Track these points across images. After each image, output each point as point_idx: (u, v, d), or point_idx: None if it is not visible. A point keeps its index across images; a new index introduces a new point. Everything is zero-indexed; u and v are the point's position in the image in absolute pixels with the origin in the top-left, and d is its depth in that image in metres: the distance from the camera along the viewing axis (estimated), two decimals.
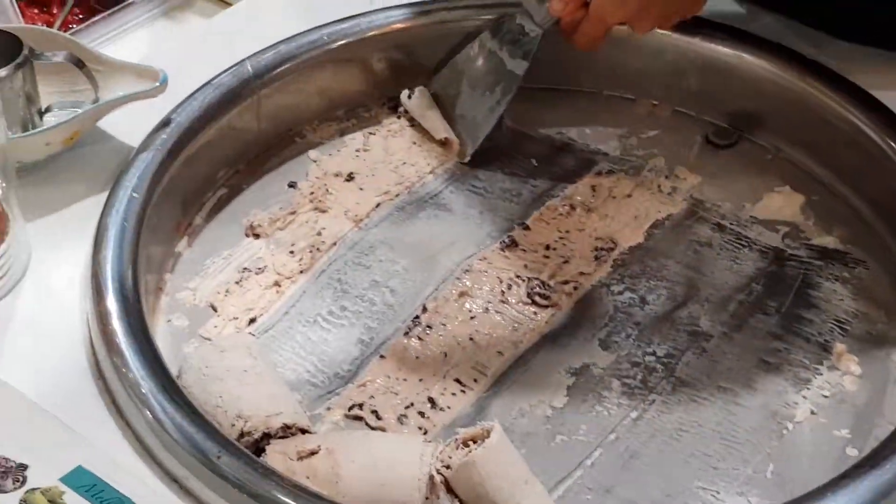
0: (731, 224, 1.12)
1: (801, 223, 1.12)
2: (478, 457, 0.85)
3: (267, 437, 0.90)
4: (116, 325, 0.94)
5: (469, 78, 1.19)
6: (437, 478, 0.87)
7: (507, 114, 1.19)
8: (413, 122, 1.20)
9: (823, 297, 1.05)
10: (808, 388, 0.98)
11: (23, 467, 0.82)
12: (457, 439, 0.87)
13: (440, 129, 1.19)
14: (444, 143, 1.18)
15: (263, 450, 0.89)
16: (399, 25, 1.20)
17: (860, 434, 0.95)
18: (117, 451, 0.87)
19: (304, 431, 0.91)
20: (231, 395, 0.92)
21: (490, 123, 1.16)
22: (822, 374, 0.99)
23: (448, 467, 0.86)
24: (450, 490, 0.87)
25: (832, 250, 1.09)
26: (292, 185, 1.15)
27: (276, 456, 0.88)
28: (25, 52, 1.09)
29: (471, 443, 0.87)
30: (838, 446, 0.94)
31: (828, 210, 1.13)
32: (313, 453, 0.87)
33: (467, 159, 1.17)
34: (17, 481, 0.82)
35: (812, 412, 0.96)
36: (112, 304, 0.95)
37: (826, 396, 0.98)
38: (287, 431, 0.90)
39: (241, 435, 0.89)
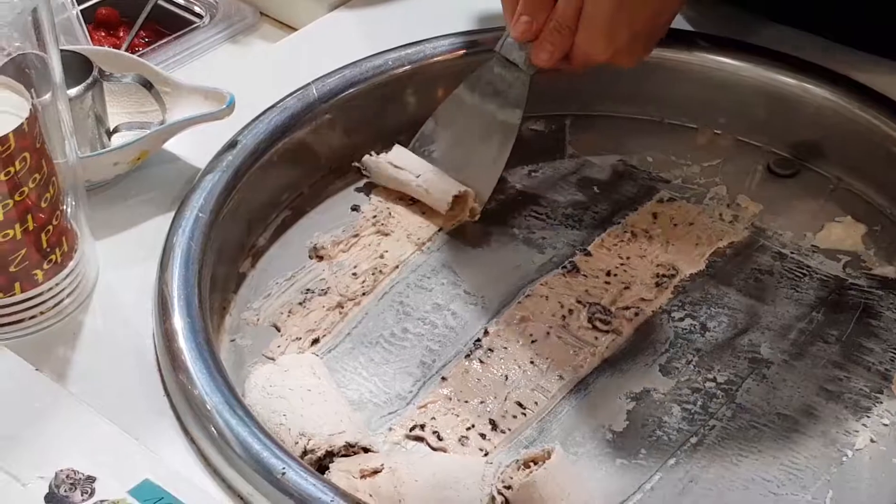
0: (793, 253, 1.12)
1: (863, 253, 1.12)
2: (538, 477, 0.85)
3: (330, 455, 0.90)
4: (182, 343, 0.95)
5: (455, 135, 1.16)
6: (498, 498, 0.87)
7: (569, 141, 1.20)
8: None
9: (884, 327, 1.05)
10: (868, 417, 0.98)
11: (91, 479, 0.83)
12: (518, 460, 0.88)
13: (450, 185, 1.13)
14: (456, 199, 1.13)
15: (327, 468, 0.90)
16: (462, 51, 1.21)
17: None
18: (182, 467, 0.88)
19: (366, 450, 0.91)
20: (295, 413, 0.93)
21: (495, 177, 1.14)
22: (882, 403, 0.99)
23: (509, 488, 0.87)
24: None
25: (893, 280, 1.09)
26: (355, 208, 1.16)
27: (340, 474, 0.88)
28: (95, 72, 1.10)
29: (532, 464, 0.87)
30: None
31: (889, 240, 1.13)
32: (376, 472, 0.88)
33: (477, 217, 1.14)
34: (86, 493, 0.83)
35: (872, 440, 0.96)
36: (178, 322, 0.96)
37: (886, 425, 0.98)
38: (350, 450, 0.91)
39: (304, 453, 0.90)
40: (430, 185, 1.14)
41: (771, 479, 0.94)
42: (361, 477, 0.88)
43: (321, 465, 0.90)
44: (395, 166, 1.15)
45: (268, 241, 1.12)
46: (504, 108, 1.14)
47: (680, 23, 1.23)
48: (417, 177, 1.14)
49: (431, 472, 0.89)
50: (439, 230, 1.13)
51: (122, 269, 1.05)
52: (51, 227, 0.96)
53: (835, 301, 1.08)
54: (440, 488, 0.87)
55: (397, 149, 1.17)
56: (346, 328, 1.05)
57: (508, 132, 1.14)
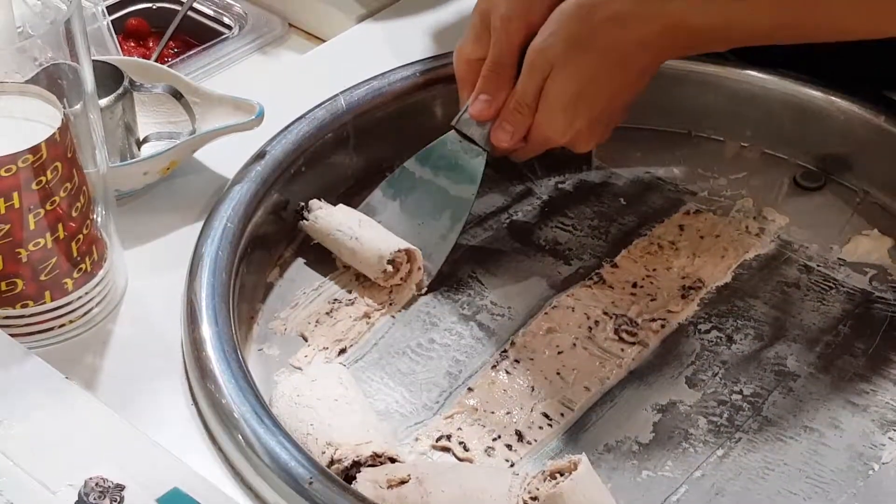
0: (819, 266, 1.12)
1: (889, 266, 1.12)
2: (565, 488, 0.85)
3: (357, 465, 0.91)
4: (210, 351, 0.95)
5: (405, 207, 1.13)
6: None
7: (596, 153, 1.20)
8: None
9: None
10: (894, 430, 0.98)
11: (120, 488, 0.84)
12: (544, 471, 0.88)
13: (392, 242, 1.08)
14: (393, 264, 1.08)
15: (354, 477, 0.90)
16: None
17: None
18: (210, 475, 0.89)
19: (393, 460, 0.92)
20: (322, 423, 0.93)
21: (445, 252, 1.10)
22: None
23: (535, 499, 0.87)
24: None
25: None
26: None
27: (367, 483, 0.89)
28: (126, 82, 1.11)
29: (558, 475, 0.87)
30: None
31: None
32: (403, 482, 0.88)
33: (424, 290, 1.09)
34: (115, 501, 0.83)
35: None
36: (206, 331, 0.97)
37: None
38: (377, 460, 0.91)
39: (331, 462, 0.91)
40: (365, 244, 1.08)
41: (797, 493, 0.94)
42: (388, 487, 0.88)
43: (348, 475, 0.91)
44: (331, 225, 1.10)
45: (295, 252, 1.13)
46: (458, 184, 1.11)
47: None
48: (352, 238, 1.09)
49: (458, 482, 0.89)
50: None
51: (151, 278, 1.05)
52: (81, 236, 0.97)
53: (861, 314, 1.08)
54: (467, 499, 0.87)
55: (341, 207, 1.13)
56: (373, 338, 1.05)
57: (461, 208, 1.11)
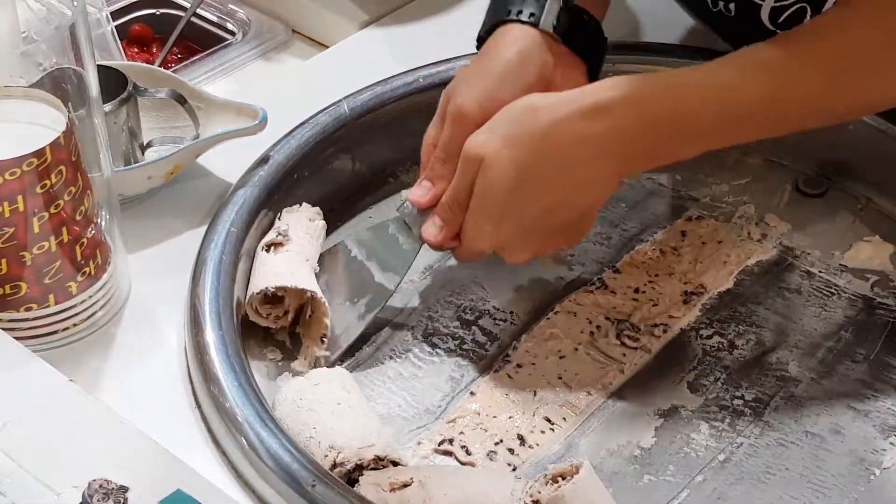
0: (821, 272, 1.12)
1: (891, 272, 1.12)
2: (567, 492, 0.86)
3: (359, 468, 0.91)
4: (214, 355, 0.96)
5: (328, 283, 1.07)
6: None
7: None
8: None
9: None
10: (895, 435, 0.98)
11: (124, 489, 0.84)
12: (546, 475, 0.88)
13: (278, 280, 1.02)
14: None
15: (356, 481, 0.90)
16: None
17: None
18: (213, 478, 0.89)
19: (395, 464, 0.92)
20: (324, 426, 0.93)
21: (354, 334, 1.05)
22: None
23: (537, 502, 0.87)
24: None
25: None
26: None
27: (369, 487, 0.89)
28: (130, 87, 1.12)
29: (560, 479, 0.87)
30: None
31: None
32: (406, 485, 0.89)
33: (324, 346, 1.03)
34: (119, 503, 0.84)
35: None
36: (209, 335, 0.97)
37: None
38: (379, 463, 0.92)
39: (334, 465, 0.91)
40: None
41: (798, 497, 0.94)
42: (391, 490, 0.89)
43: (350, 478, 0.91)
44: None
45: None
46: (385, 272, 1.06)
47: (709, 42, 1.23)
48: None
49: (461, 486, 0.89)
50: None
51: (154, 282, 1.06)
52: (85, 240, 0.97)
53: (863, 320, 1.08)
54: (469, 503, 0.88)
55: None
56: (376, 342, 1.06)
57: (379, 296, 1.05)
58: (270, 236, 1.06)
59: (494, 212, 0.99)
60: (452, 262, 1.12)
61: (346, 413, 0.95)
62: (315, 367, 1.01)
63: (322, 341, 1.02)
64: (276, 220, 1.09)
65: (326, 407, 0.95)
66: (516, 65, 1.03)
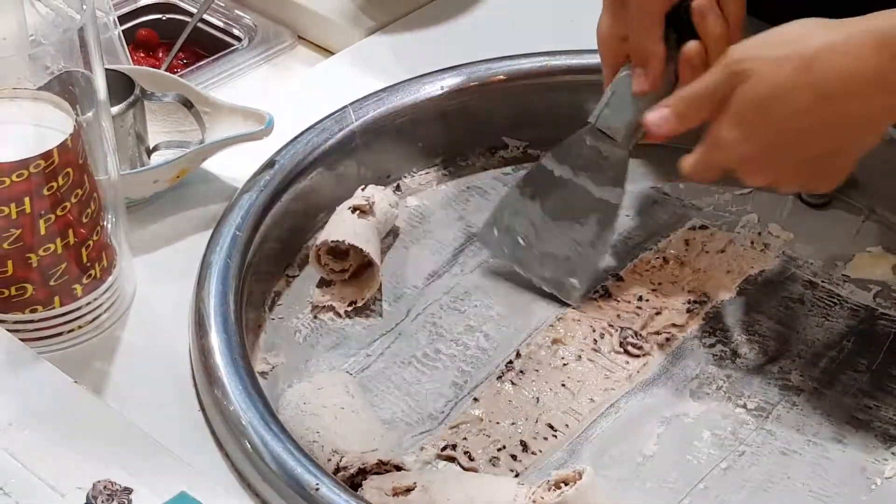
0: (823, 282, 1.12)
1: (893, 283, 1.12)
2: (569, 497, 0.86)
3: (362, 472, 0.92)
4: (218, 359, 0.96)
5: (546, 209, 1.08)
6: None
7: None
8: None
9: None
10: None
11: (128, 491, 0.84)
12: (549, 481, 0.88)
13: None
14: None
15: (359, 485, 0.91)
16: (501, 77, 1.22)
17: None
18: (217, 480, 0.89)
19: (398, 468, 0.92)
20: (328, 430, 0.94)
21: (595, 263, 1.08)
22: None
23: None
24: None
25: None
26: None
27: (372, 491, 0.89)
28: (137, 91, 1.12)
29: (563, 484, 0.88)
30: None
31: None
32: (409, 490, 0.89)
33: (577, 304, 1.08)
34: None
35: None
36: (214, 338, 0.97)
37: None
38: (382, 468, 0.92)
39: (337, 470, 0.91)
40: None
41: None
42: (394, 495, 0.89)
43: (353, 483, 0.91)
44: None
45: (303, 260, 1.13)
46: (603, 186, 1.06)
47: None
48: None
49: (464, 491, 0.89)
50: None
51: (160, 286, 1.06)
52: (91, 243, 0.98)
53: (865, 330, 1.08)
54: None
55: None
56: (380, 348, 1.06)
57: (609, 213, 1.07)
58: (358, 201, 1.11)
59: (748, 122, 0.95)
60: (457, 268, 1.12)
61: (349, 418, 0.95)
62: (350, 309, 1.09)
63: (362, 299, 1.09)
64: (360, 189, 1.13)
65: (330, 411, 0.95)
66: None
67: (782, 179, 0.99)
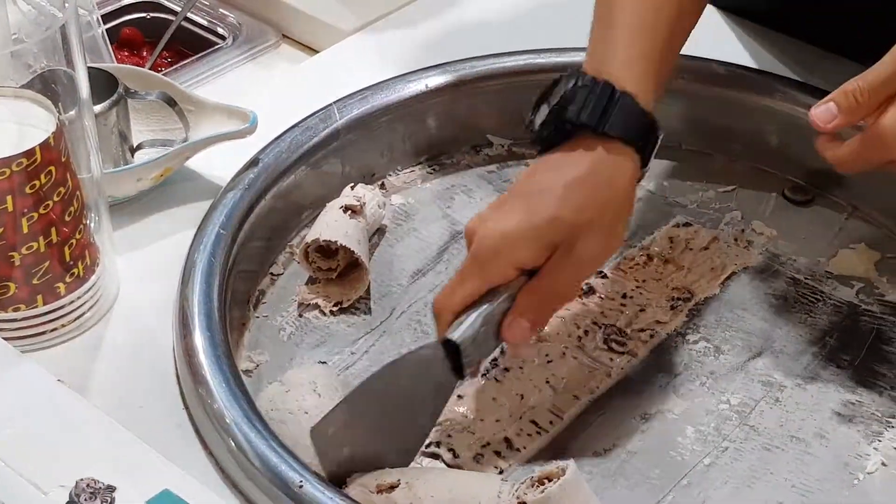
0: (806, 279, 1.13)
1: (876, 279, 1.12)
2: (552, 494, 0.86)
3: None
4: (202, 357, 0.96)
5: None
6: None
7: None
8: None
9: None
10: (879, 441, 0.99)
11: (111, 489, 0.84)
12: (532, 477, 0.88)
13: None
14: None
15: (344, 481, 0.91)
16: (484, 75, 1.22)
17: None
18: (201, 478, 0.89)
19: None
20: (291, 439, 0.93)
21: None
22: (894, 427, 1.00)
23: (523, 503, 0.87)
24: None
25: None
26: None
27: (356, 488, 0.89)
28: (120, 89, 1.12)
29: (546, 480, 0.88)
30: None
31: None
32: (393, 487, 0.89)
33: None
34: (106, 502, 0.84)
35: (883, 464, 0.97)
36: (198, 337, 0.97)
37: None
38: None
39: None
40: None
41: (783, 501, 0.94)
42: (378, 492, 0.89)
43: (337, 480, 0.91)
44: None
45: (288, 259, 1.13)
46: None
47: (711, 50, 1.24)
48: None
49: (447, 488, 0.89)
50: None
51: (143, 284, 1.06)
52: (74, 241, 0.98)
53: (848, 326, 1.08)
54: None
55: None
56: (364, 346, 1.06)
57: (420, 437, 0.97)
58: (350, 200, 1.11)
59: None
60: (442, 266, 1.13)
61: (312, 424, 0.93)
62: (336, 308, 1.09)
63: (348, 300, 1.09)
64: (349, 188, 1.13)
65: (295, 418, 0.95)
66: None
67: None
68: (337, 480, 0.91)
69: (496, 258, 0.94)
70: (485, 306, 0.94)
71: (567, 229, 0.94)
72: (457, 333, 0.93)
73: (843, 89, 0.95)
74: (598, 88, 0.96)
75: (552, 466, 0.88)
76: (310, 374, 0.99)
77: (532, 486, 0.87)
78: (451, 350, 0.93)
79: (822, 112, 0.96)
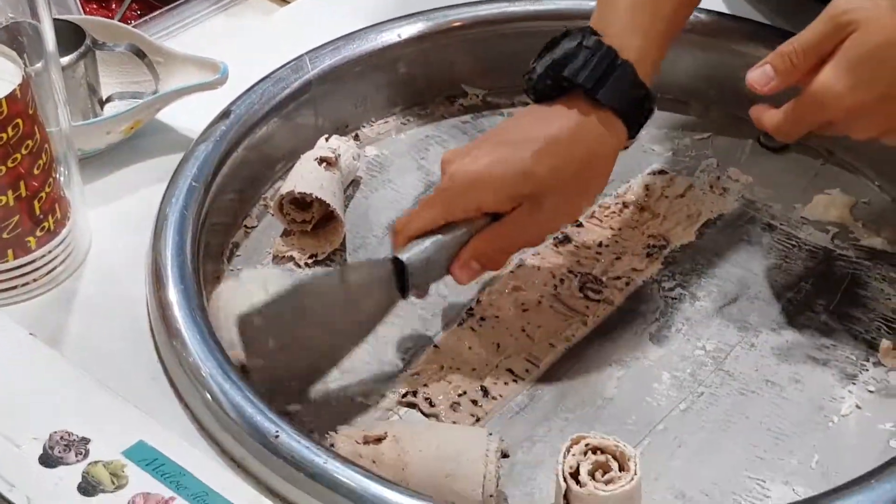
0: (782, 224, 1.13)
1: (851, 224, 1.12)
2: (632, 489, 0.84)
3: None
4: (176, 311, 0.95)
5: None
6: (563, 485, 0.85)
7: None
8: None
9: (871, 296, 1.06)
10: (853, 384, 0.99)
11: (85, 441, 0.84)
12: (588, 444, 0.85)
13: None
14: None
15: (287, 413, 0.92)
16: (458, 24, 1.22)
17: None
18: (177, 430, 0.89)
19: None
20: (229, 331, 0.94)
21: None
22: (867, 370, 1.00)
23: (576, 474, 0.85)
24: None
25: (880, 251, 1.10)
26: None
27: (343, 439, 0.89)
28: (88, 41, 1.11)
29: (598, 451, 0.85)
30: (882, 439, 0.95)
31: (877, 212, 1.14)
32: (379, 439, 0.89)
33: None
34: (80, 454, 0.84)
35: (857, 406, 0.97)
36: (172, 290, 0.97)
37: (871, 391, 0.98)
38: None
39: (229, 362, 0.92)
40: None
41: (758, 444, 0.95)
42: (365, 443, 0.89)
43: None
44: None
45: (262, 211, 1.13)
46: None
47: None
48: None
49: (435, 443, 0.89)
50: None
51: (115, 238, 1.05)
52: (43, 195, 0.97)
53: (823, 271, 1.08)
54: (444, 460, 0.88)
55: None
56: None
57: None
58: (324, 152, 1.10)
59: (861, 71, 0.92)
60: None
61: None
62: (311, 261, 1.08)
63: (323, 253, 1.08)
64: (324, 139, 1.12)
65: (239, 309, 0.95)
66: None
67: (893, 129, 0.96)
68: (260, 373, 0.92)
69: (462, 197, 0.95)
70: (439, 236, 0.95)
71: (537, 185, 0.95)
72: (407, 254, 0.95)
73: (779, 52, 0.95)
74: (601, 52, 0.97)
75: (610, 441, 0.85)
76: (263, 273, 1.01)
77: (583, 455, 0.85)
78: (399, 269, 0.95)
79: (759, 75, 0.96)
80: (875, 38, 0.92)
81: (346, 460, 0.85)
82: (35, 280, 0.99)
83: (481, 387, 0.98)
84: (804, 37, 0.95)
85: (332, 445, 0.89)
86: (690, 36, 1.22)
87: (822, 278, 1.08)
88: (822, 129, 0.97)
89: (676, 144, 1.21)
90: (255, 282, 0.98)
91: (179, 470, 0.84)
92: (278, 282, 0.97)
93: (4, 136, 0.92)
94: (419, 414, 0.97)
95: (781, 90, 0.96)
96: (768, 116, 0.98)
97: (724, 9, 1.27)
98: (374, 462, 0.88)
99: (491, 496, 0.87)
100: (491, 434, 0.90)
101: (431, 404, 0.97)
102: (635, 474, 0.83)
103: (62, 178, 1.00)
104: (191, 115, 1.13)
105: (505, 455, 0.92)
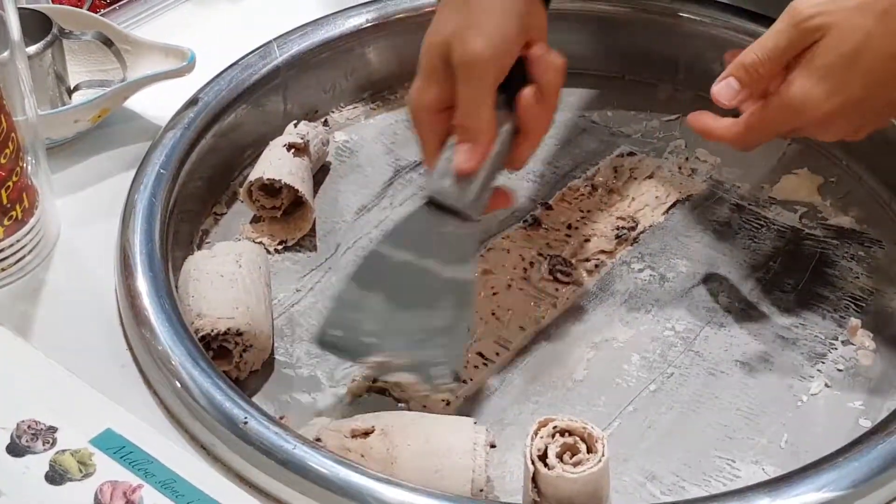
0: (750, 204, 1.13)
1: (819, 204, 1.13)
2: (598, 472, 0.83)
3: (215, 338, 0.94)
4: (146, 299, 0.95)
5: (390, 303, 0.93)
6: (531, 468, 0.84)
7: None
8: None
9: (839, 275, 1.06)
10: (822, 363, 0.99)
11: (52, 430, 0.84)
12: (555, 426, 0.85)
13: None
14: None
15: (212, 349, 0.94)
16: (427, 7, 1.21)
17: (873, 406, 0.96)
18: (145, 418, 0.89)
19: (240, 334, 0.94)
20: (199, 295, 0.96)
21: (462, 342, 0.94)
22: (836, 349, 1.00)
23: (543, 456, 0.84)
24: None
25: (848, 230, 1.10)
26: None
27: (330, 433, 0.88)
28: (55, 30, 1.11)
29: (566, 433, 0.85)
30: (851, 417, 0.95)
31: (844, 191, 1.14)
32: (367, 433, 0.88)
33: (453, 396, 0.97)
34: (48, 443, 0.84)
35: (826, 385, 0.98)
36: (140, 278, 0.97)
37: (840, 370, 0.99)
38: (236, 339, 0.94)
39: (196, 332, 0.93)
40: None
41: (727, 424, 0.95)
42: (353, 437, 0.88)
43: (210, 347, 0.94)
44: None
45: (231, 198, 1.13)
46: (451, 265, 0.93)
47: None
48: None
49: (424, 437, 0.88)
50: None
51: (84, 227, 1.05)
52: (11, 184, 0.97)
53: (791, 251, 1.09)
54: (432, 455, 0.87)
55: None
56: (310, 283, 1.06)
57: (464, 291, 0.93)
58: (293, 138, 1.10)
59: (835, 76, 0.91)
60: (386, 202, 1.12)
61: (223, 285, 0.97)
62: (281, 247, 1.09)
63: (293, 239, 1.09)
64: (293, 125, 1.12)
65: (209, 278, 0.97)
66: None
67: (862, 129, 0.96)
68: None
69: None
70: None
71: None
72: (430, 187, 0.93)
73: (741, 63, 0.94)
74: None
75: (577, 422, 0.85)
76: (237, 247, 1.01)
77: (551, 438, 0.84)
78: (438, 204, 0.92)
79: (724, 88, 0.95)
80: (848, 43, 0.91)
81: (314, 445, 0.85)
82: (3, 269, 0.99)
83: (452, 370, 0.98)
84: (767, 45, 0.93)
85: (318, 439, 0.89)
86: (656, 17, 1.22)
87: (791, 258, 1.08)
88: (787, 134, 0.98)
89: (645, 126, 1.21)
90: (229, 255, 0.98)
91: (147, 457, 0.84)
92: (251, 256, 0.98)
93: None
94: (391, 398, 0.97)
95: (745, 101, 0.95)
96: (722, 127, 0.97)
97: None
98: (362, 456, 0.87)
99: (481, 490, 0.87)
100: (476, 423, 0.90)
101: (402, 389, 0.97)
102: (603, 455, 0.83)
103: (30, 167, 1.00)
104: (159, 103, 1.13)
105: (493, 446, 0.92)
